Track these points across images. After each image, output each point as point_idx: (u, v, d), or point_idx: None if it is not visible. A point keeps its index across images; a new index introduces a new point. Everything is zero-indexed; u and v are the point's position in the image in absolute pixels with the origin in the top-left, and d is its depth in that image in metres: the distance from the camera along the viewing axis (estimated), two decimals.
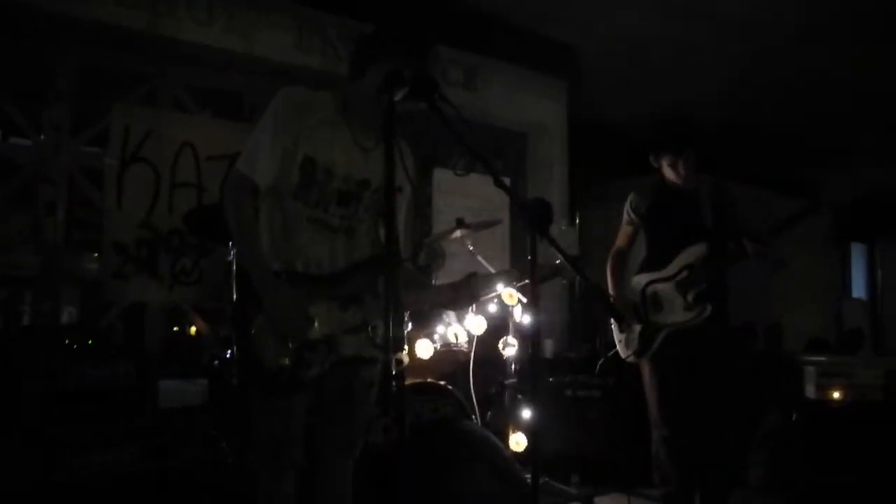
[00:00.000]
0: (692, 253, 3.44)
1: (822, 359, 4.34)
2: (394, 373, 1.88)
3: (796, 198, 8.78)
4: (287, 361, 2.09)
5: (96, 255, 4.28)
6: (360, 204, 2.34)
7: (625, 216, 3.69)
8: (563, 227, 5.97)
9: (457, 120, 2.20)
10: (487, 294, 3.24)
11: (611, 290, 3.64)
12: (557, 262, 2.52)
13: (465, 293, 2.57)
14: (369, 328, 2.25)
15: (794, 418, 4.13)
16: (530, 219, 1.96)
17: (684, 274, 3.45)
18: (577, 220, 7.03)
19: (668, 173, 3.54)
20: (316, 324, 2.15)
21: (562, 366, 4.83)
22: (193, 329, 4.75)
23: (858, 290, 11.87)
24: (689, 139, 3.52)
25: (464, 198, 5.51)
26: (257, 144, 2.22)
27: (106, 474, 2.69)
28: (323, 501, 2.39)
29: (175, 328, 4.92)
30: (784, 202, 8.32)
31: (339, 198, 2.29)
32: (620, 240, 3.72)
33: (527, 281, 3.05)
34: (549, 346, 5.21)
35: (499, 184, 2.03)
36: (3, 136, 5.36)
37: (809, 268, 10.19)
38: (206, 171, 4.44)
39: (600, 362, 4.49)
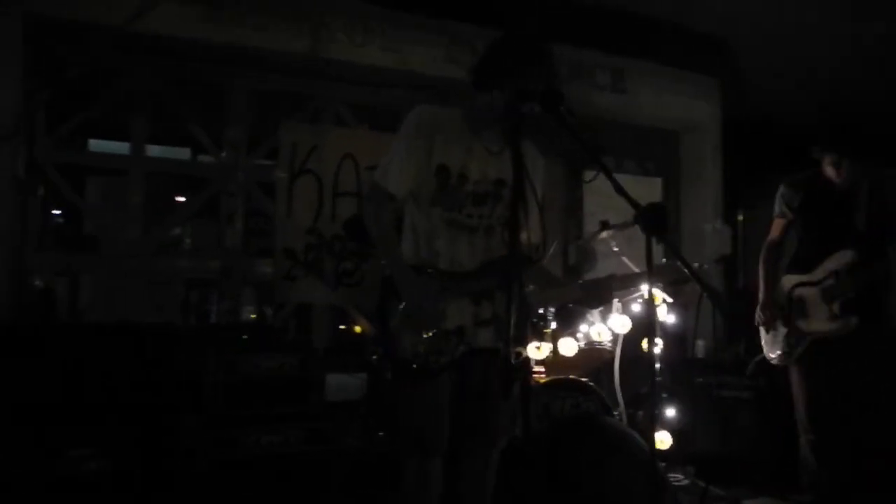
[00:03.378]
0: (839, 259, 3.36)
1: None
2: (514, 365, 2.03)
3: None
4: (421, 349, 2.30)
5: (270, 259, 4.73)
6: (500, 202, 2.49)
7: (776, 209, 3.62)
8: (717, 227, 5.87)
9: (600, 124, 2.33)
10: (626, 294, 3.33)
11: (761, 285, 3.60)
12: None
13: (599, 292, 2.68)
14: (500, 323, 2.41)
15: None
16: (645, 223, 2.05)
17: (830, 281, 3.37)
18: (741, 218, 6.87)
19: (829, 171, 3.45)
20: (448, 316, 2.35)
21: (712, 366, 4.78)
22: (358, 328, 5.11)
23: None
24: (857, 143, 3.42)
25: (612, 198, 5.57)
26: (392, 158, 2.45)
27: (274, 454, 3.04)
28: (467, 490, 2.55)
29: (341, 327, 5.31)
30: None
31: (474, 199, 2.47)
32: (773, 232, 3.66)
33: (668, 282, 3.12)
34: (700, 347, 5.16)
35: (616, 187, 2.13)
36: (193, 154, 6.03)
37: None
38: (366, 181, 4.77)
39: (751, 364, 4.42)
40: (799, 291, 3.46)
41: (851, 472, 3.39)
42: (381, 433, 3.73)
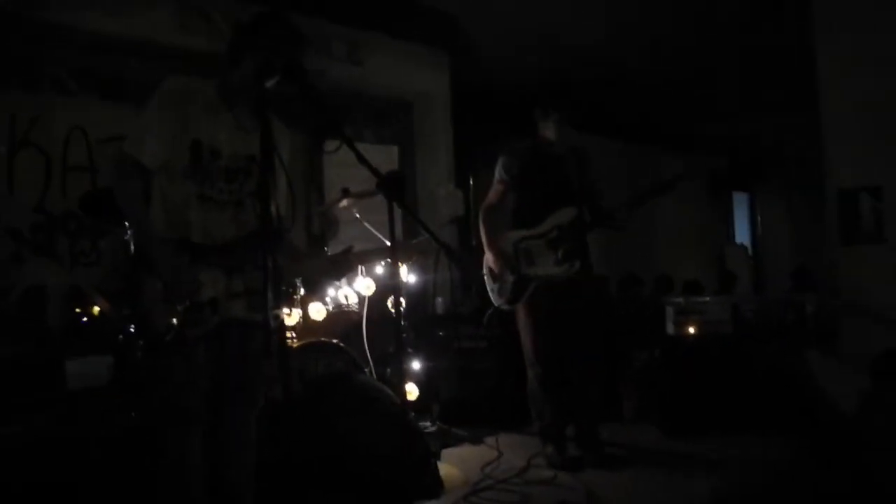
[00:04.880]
0: (561, 215, 3.86)
1: (679, 299, 4.85)
2: (274, 330, 2.16)
3: (682, 153, 9.45)
4: (174, 321, 2.34)
5: None
6: (250, 178, 2.58)
7: (497, 174, 4.05)
8: (450, 190, 6.31)
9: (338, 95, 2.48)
10: (367, 264, 3.55)
11: (487, 241, 4.00)
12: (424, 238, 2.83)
13: (343, 266, 2.86)
14: (251, 295, 2.51)
15: (656, 354, 4.63)
16: (385, 190, 2.26)
17: (555, 233, 3.85)
18: (472, 182, 7.42)
19: (548, 131, 3.95)
20: (202, 288, 2.41)
21: (451, 320, 5.20)
22: (96, 309, 4.86)
23: (742, 236, 12.78)
24: (565, 99, 3.92)
25: (354, 168, 5.77)
26: (144, 128, 2.45)
27: (21, 439, 2.90)
28: (228, 454, 2.65)
29: (77, 309, 5.02)
30: (670, 160, 8.96)
31: (226, 175, 2.54)
32: (492, 197, 4.07)
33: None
34: (440, 304, 5.57)
35: (358, 157, 2.31)
36: None
37: (695, 218, 10.96)
38: (99, 154, 4.54)
39: (486, 315, 4.89)
40: (525, 244, 3.90)
41: (571, 398, 3.94)
42: (132, 413, 3.65)
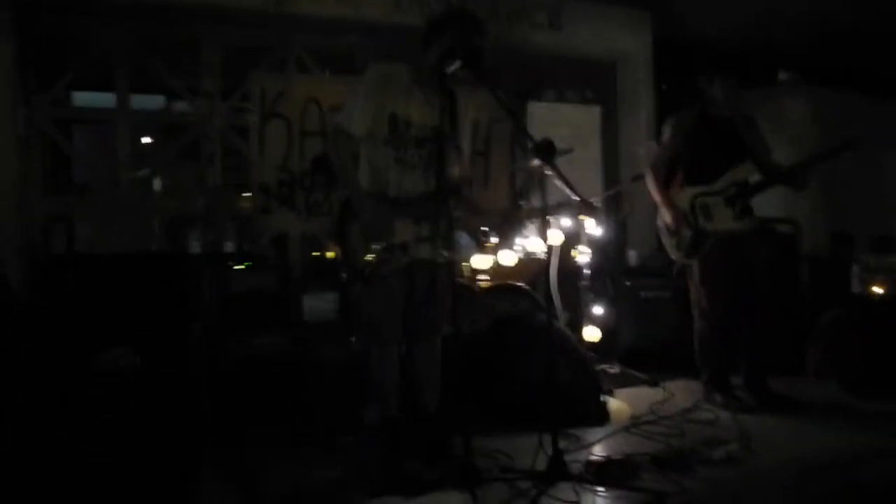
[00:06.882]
0: (740, 172, 4.05)
1: (865, 257, 4.79)
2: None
3: None
4: (371, 258, 2.95)
5: (247, 195, 5.32)
6: (434, 145, 3.12)
7: (666, 135, 4.29)
8: (651, 148, 6.49)
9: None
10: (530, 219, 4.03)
11: (662, 199, 4.22)
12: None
13: (510, 220, 3.36)
14: (434, 240, 3.08)
15: (841, 312, 4.64)
16: (537, 153, 2.69)
17: (733, 190, 4.05)
18: None
19: (717, 91, 4.13)
20: (396, 233, 3.00)
21: (640, 272, 5.49)
22: (330, 253, 5.73)
23: None
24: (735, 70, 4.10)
25: (555, 126, 6.17)
26: (353, 105, 3.09)
27: (265, 354, 3.73)
28: (420, 367, 3.28)
29: (315, 253, 5.92)
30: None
31: (416, 142, 3.12)
32: (661, 154, 4.32)
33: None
34: (632, 256, 5.86)
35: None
36: (167, 101, 6.53)
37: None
38: (330, 121, 5.32)
39: (675, 267, 5.12)
40: (702, 200, 4.12)
41: (740, 348, 4.15)
42: (351, 338, 4.39)
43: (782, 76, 7.74)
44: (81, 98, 5.96)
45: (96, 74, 5.22)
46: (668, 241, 4.27)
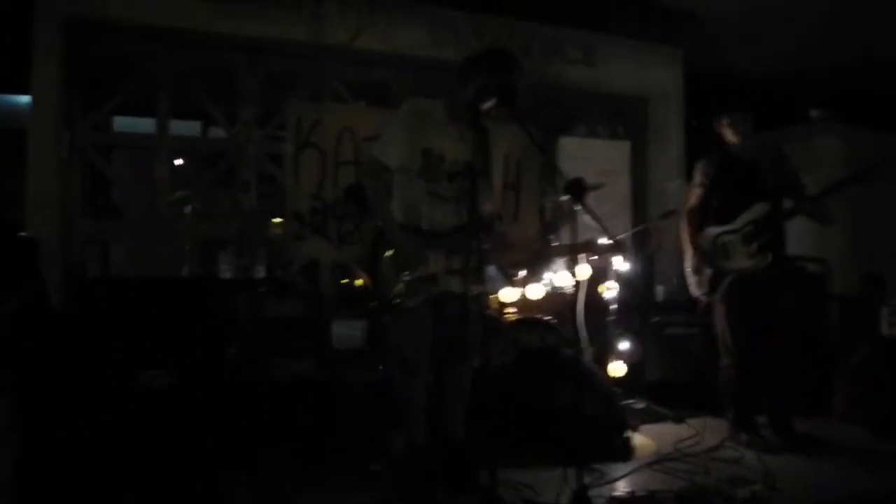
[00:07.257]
0: (756, 210, 4.07)
1: (895, 300, 4.76)
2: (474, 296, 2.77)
3: None
4: (401, 289, 3.01)
5: (279, 220, 5.41)
6: (466, 180, 3.18)
7: (696, 180, 4.33)
8: (679, 184, 6.52)
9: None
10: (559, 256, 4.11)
11: (687, 243, 4.30)
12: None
13: (538, 257, 3.41)
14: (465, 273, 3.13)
15: (870, 354, 4.61)
16: (568, 192, 2.75)
17: (749, 228, 4.08)
18: None
19: (729, 134, 4.19)
20: (427, 265, 3.06)
21: (667, 308, 5.50)
22: (359, 281, 5.80)
23: None
24: (753, 109, 4.14)
25: (585, 161, 6.23)
26: (389, 137, 3.19)
27: (295, 379, 3.80)
28: (447, 396, 3.32)
29: (344, 281, 5.99)
30: None
31: (449, 177, 3.18)
32: (692, 200, 4.35)
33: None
34: (659, 291, 5.88)
35: (550, 164, 2.80)
36: (204, 126, 6.68)
37: None
38: (364, 151, 5.42)
39: (700, 304, 5.13)
40: (722, 239, 4.16)
41: (763, 387, 4.15)
42: (380, 367, 4.44)
43: (814, 114, 7.72)
44: (121, 123, 6.11)
45: (136, 100, 5.36)
46: (691, 279, 4.30)
